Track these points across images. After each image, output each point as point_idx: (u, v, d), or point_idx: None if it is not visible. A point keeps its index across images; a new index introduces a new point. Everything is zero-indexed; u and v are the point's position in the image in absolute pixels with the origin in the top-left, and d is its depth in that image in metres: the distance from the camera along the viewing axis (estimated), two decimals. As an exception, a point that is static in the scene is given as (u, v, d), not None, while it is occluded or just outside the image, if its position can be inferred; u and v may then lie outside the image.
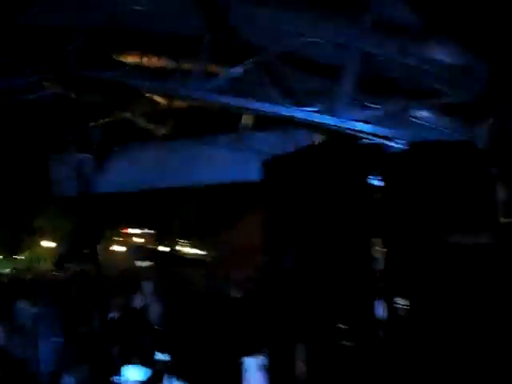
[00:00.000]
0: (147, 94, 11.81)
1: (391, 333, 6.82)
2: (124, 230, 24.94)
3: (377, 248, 7.61)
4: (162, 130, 12.98)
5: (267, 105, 9.41)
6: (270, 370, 6.72)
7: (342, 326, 7.04)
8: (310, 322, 7.14)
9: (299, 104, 9.12)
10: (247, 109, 10.39)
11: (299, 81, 9.41)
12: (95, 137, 13.46)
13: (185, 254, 25.76)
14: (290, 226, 7.48)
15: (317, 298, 7.30)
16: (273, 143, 12.21)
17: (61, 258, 16.79)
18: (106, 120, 13.14)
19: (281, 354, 6.87)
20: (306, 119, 9.36)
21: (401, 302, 6.61)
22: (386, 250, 7.45)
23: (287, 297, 7.30)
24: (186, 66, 9.86)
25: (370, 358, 6.90)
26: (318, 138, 10.86)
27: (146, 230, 25.32)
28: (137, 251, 23.72)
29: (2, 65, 10.27)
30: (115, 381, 7.33)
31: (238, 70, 9.20)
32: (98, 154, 13.41)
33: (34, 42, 9.84)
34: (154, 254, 23.03)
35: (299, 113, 9.20)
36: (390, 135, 8.54)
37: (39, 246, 31.44)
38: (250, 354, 7.95)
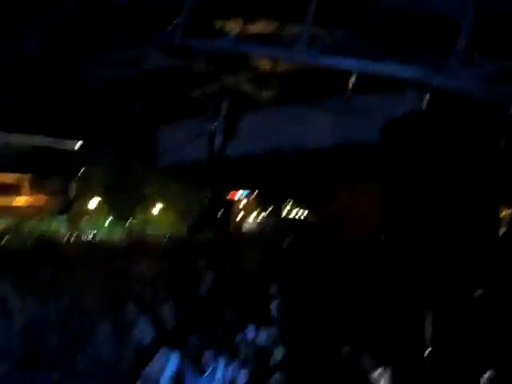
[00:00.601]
0: (253, 60, 11.82)
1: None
2: (232, 195, 25.28)
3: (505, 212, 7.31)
4: (268, 95, 12.97)
5: (374, 65, 9.23)
6: (397, 335, 6.58)
7: (477, 293, 6.74)
8: (438, 287, 6.91)
9: (407, 63, 8.88)
10: (354, 70, 10.21)
11: (408, 40, 9.12)
12: (207, 105, 13.61)
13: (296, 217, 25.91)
14: (412, 187, 7.23)
15: (442, 263, 7.05)
16: (381, 106, 11.97)
17: (193, 225, 17.10)
18: (213, 87, 13.27)
19: (409, 319, 6.69)
20: (415, 79, 9.12)
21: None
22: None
23: (410, 261, 7.08)
24: (291, 29, 9.80)
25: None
26: (427, 100, 10.56)
27: (254, 195, 25.58)
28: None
29: (115, 39, 10.57)
30: (234, 344, 7.48)
31: (343, 32, 9.05)
32: (213, 121, 13.53)
33: (145, 16, 10.05)
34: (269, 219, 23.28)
35: (408, 72, 8.97)
36: (507, 94, 8.15)
37: (149, 212, 32.66)
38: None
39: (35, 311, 8.40)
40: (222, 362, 6.68)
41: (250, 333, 7.54)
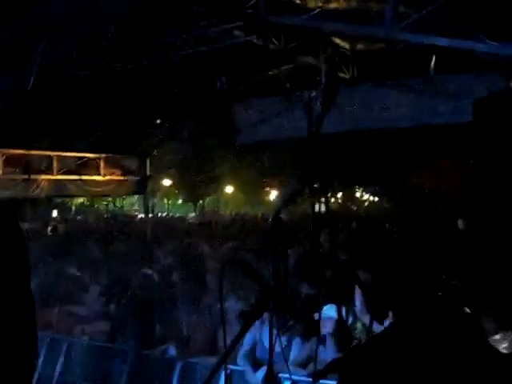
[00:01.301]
0: (333, 38, 11.61)
1: None
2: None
3: None
4: (347, 75, 12.74)
5: (464, 42, 8.88)
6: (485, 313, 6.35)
7: None
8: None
9: (499, 41, 8.51)
10: (443, 47, 9.88)
11: (499, 16, 8.73)
12: (281, 82, 13.45)
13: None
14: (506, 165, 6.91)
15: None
16: (464, 85, 11.64)
17: (286, 199, 17.05)
18: (290, 66, 13.13)
19: (497, 297, 6.46)
20: (506, 57, 8.76)
21: None
22: None
23: (503, 239, 6.79)
24: (375, 6, 9.53)
25: None
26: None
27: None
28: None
29: (194, 15, 10.51)
30: (316, 318, 7.40)
31: (430, 7, 8.73)
32: (290, 100, 13.32)
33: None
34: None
35: (499, 49, 8.60)
36: None
37: (220, 192, 32.76)
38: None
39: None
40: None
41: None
